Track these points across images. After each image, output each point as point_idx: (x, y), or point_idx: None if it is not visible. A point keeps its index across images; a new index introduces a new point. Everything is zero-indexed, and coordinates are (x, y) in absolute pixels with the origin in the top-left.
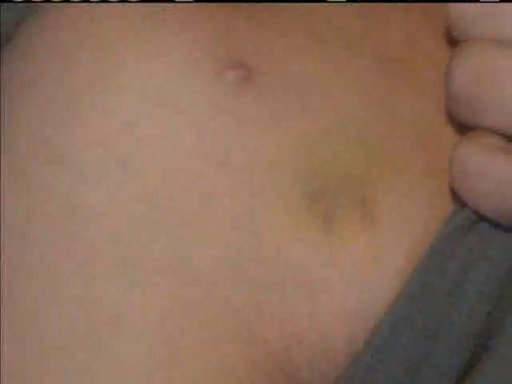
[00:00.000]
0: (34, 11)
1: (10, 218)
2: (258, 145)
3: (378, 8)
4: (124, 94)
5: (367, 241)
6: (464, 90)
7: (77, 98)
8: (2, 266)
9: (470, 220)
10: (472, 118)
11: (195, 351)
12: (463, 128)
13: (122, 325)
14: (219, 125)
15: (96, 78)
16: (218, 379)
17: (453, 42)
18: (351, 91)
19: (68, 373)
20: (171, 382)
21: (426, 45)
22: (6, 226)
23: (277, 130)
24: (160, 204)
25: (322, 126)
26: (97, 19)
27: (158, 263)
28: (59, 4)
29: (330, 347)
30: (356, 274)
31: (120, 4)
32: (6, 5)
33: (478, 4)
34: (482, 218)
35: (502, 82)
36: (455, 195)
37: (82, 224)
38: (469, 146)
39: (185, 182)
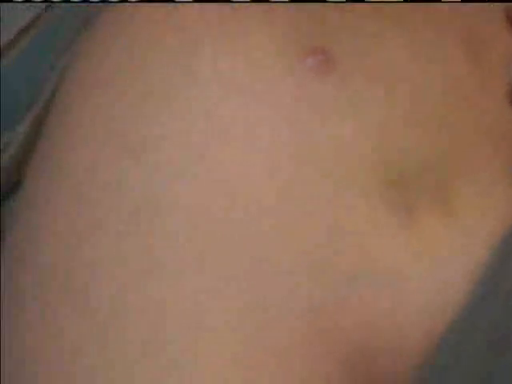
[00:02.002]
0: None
1: (87, 214)
2: (337, 133)
3: None
4: (202, 82)
5: (446, 233)
6: None
7: (154, 90)
8: (81, 259)
9: None
10: None
11: (276, 350)
12: None
13: (199, 322)
14: (299, 112)
15: (174, 66)
16: (303, 377)
17: None
18: (434, 80)
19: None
20: (251, 382)
21: None
22: (83, 221)
23: (356, 117)
24: (239, 195)
25: (401, 115)
26: (177, 10)
27: (236, 258)
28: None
29: (409, 342)
30: (434, 266)
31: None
32: None
33: None
34: None
35: None
36: None
37: (163, 217)
38: None
39: (264, 173)
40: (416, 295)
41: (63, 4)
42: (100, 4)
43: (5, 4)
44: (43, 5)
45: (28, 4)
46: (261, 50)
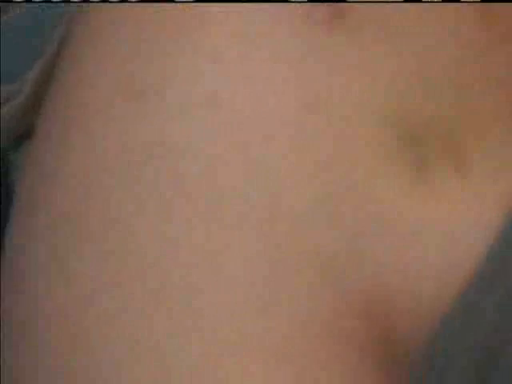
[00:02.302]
0: None
1: (97, 157)
2: (347, 86)
3: None
4: (211, 30)
5: (459, 189)
6: None
7: (162, 35)
8: (94, 204)
9: None
10: None
11: (288, 296)
12: None
13: (218, 267)
14: (308, 64)
15: (184, 19)
16: (312, 323)
17: None
18: (446, 36)
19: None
20: (266, 329)
21: None
22: (95, 164)
23: (366, 71)
24: (252, 142)
25: (412, 69)
26: None
27: (251, 203)
28: None
29: (422, 301)
30: (447, 224)
31: None
32: None
33: None
34: None
35: None
36: None
37: (175, 159)
38: None
39: (275, 122)
40: (429, 251)
41: None
42: None
43: None
44: None
45: None
46: (267, 6)
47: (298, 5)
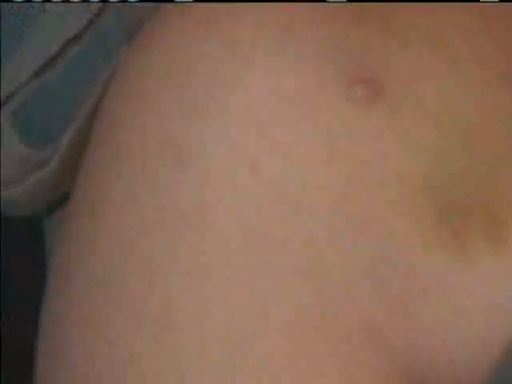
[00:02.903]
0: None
1: (134, 223)
2: (385, 162)
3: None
4: (254, 96)
5: (497, 265)
6: None
7: (204, 98)
8: (133, 260)
9: None
10: None
11: (321, 348)
12: None
13: (253, 326)
14: (349, 137)
15: (225, 78)
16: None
17: None
18: (485, 110)
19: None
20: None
21: None
22: (132, 230)
23: (406, 146)
24: (294, 206)
25: (453, 145)
26: (227, 24)
27: (290, 263)
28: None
29: (458, 369)
30: (485, 297)
31: (247, 4)
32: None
33: None
34: None
35: None
36: None
37: (213, 223)
38: None
39: (318, 189)
40: (466, 324)
41: (109, 16)
42: (144, 15)
43: (49, 14)
44: (89, 16)
45: (74, 16)
46: (312, 73)
47: (338, 81)
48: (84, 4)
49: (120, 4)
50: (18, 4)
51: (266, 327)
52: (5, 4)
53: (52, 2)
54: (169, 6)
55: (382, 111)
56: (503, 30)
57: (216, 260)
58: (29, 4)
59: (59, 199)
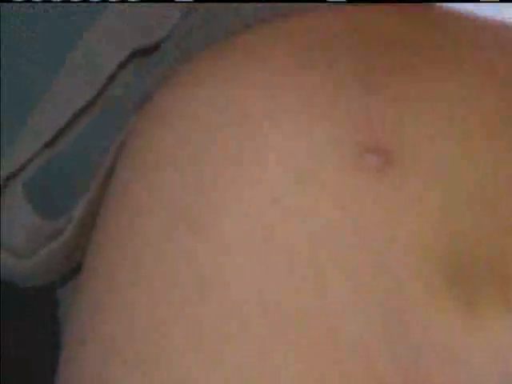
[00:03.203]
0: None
1: (152, 285)
2: (396, 225)
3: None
4: (269, 169)
5: (507, 328)
6: None
7: (220, 170)
8: (149, 332)
9: None
10: None
11: None
12: None
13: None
14: (360, 205)
15: (241, 153)
16: None
17: None
18: (493, 178)
19: None
20: None
21: None
22: (150, 294)
23: (418, 214)
24: (307, 275)
25: (464, 213)
26: (240, 92)
27: (303, 334)
28: (196, 67)
29: None
30: (500, 359)
31: (263, 74)
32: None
33: None
34: None
35: None
36: None
37: (228, 294)
38: None
39: (328, 256)
40: (482, 379)
41: (117, 87)
42: (156, 80)
43: (59, 85)
44: (99, 86)
45: (83, 86)
46: (324, 144)
47: (349, 149)
48: (93, 76)
49: (128, 74)
50: (33, 74)
51: None
52: (19, 72)
53: (52, 2)
54: (178, 74)
55: (392, 180)
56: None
57: (228, 325)
58: (43, 73)
59: (73, 268)
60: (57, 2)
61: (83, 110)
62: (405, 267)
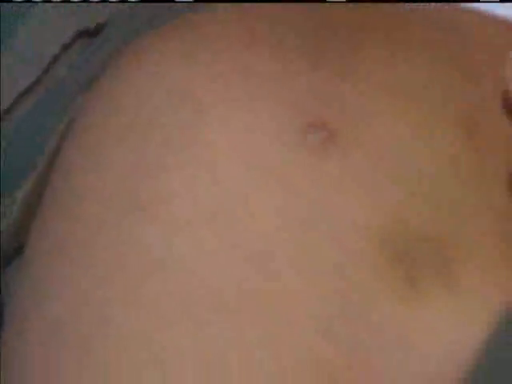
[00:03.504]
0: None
1: (98, 268)
2: (341, 206)
3: (462, 63)
4: (212, 148)
5: (448, 306)
6: None
7: (165, 150)
8: (86, 313)
9: None
10: None
11: None
12: None
13: (216, 378)
14: (304, 185)
15: (183, 131)
16: None
17: None
18: (436, 155)
19: None
20: None
21: None
22: (95, 275)
23: (360, 192)
24: (249, 258)
25: (405, 189)
26: (189, 74)
27: (249, 314)
28: (142, 50)
29: None
30: (437, 337)
31: (213, 56)
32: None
33: None
34: None
35: None
36: None
37: (173, 275)
38: None
39: (272, 240)
40: (418, 365)
41: (61, 68)
42: (102, 61)
43: (5, 67)
44: (43, 67)
45: (28, 66)
46: (266, 123)
47: (293, 128)
48: (37, 57)
49: (74, 55)
50: None
51: (228, 371)
52: None
53: (52, 2)
54: (124, 54)
55: (335, 157)
56: (454, 75)
57: (173, 308)
58: None
59: (19, 247)
60: (57, 1)
61: (28, 91)
62: (347, 246)
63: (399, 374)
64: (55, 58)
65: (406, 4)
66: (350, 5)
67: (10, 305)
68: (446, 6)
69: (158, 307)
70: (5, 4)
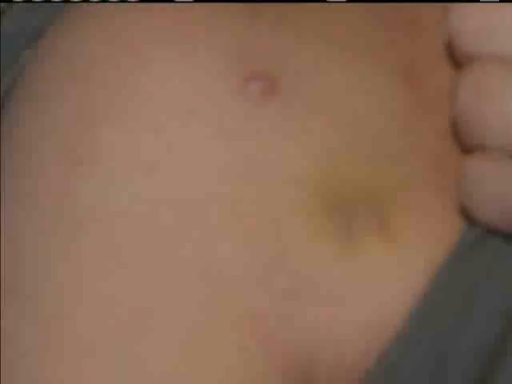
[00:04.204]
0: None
1: (37, 221)
2: (280, 156)
3: (405, 14)
4: (151, 100)
5: (384, 256)
6: (466, 111)
7: (104, 103)
8: (25, 263)
9: (480, 237)
10: (475, 139)
11: (215, 353)
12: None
13: (148, 326)
14: (244, 136)
15: (123, 83)
16: (242, 381)
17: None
18: (376, 106)
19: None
20: (196, 381)
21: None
22: (34, 227)
23: (299, 142)
24: (186, 209)
25: (344, 141)
26: (126, 24)
27: (185, 267)
28: (86, 5)
29: (346, 360)
30: (372, 288)
31: (145, 5)
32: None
33: (475, 18)
34: (493, 234)
35: (501, 101)
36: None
37: (110, 228)
38: (474, 159)
39: (211, 189)
40: (353, 315)
41: (10, 23)
42: (49, 17)
43: None
44: None
45: None
46: (207, 73)
47: (232, 78)
48: None
49: (20, 11)
50: None
51: (156, 324)
52: None
53: (52, 1)
54: (69, 11)
55: (276, 107)
56: (396, 26)
57: (108, 259)
58: None
59: None
60: (57, 2)
61: None
62: (285, 201)
63: (334, 324)
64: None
65: None
66: None
67: None
68: None
69: (97, 263)
70: None
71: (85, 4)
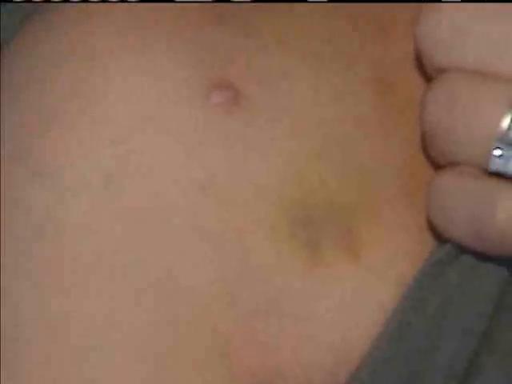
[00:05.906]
0: (36, 12)
1: None
2: (244, 168)
3: (377, 22)
4: (110, 108)
5: (352, 273)
6: (435, 125)
7: (61, 110)
8: None
9: (451, 254)
10: (445, 154)
11: (178, 372)
12: None
13: (107, 342)
14: (206, 146)
15: (82, 90)
16: None
17: None
18: (343, 114)
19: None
20: None
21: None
22: None
23: (264, 153)
24: (144, 222)
25: (310, 152)
26: (88, 29)
27: (142, 281)
28: (55, 8)
29: (314, 381)
30: (339, 307)
31: (113, 12)
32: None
33: (443, 30)
34: (463, 251)
35: (470, 115)
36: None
37: (65, 240)
38: (443, 175)
39: (170, 202)
40: (321, 334)
41: None
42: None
43: None
44: None
45: None
46: (169, 81)
47: (195, 88)
48: None
49: None
50: None
51: (116, 339)
52: None
53: (52, 1)
54: (40, 13)
55: (239, 117)
56: (369, 34)
57: (63, 272)
58: None
59: None
60: (57, 2)
61: None
62: (248, 216)
63: (297, 344)
64: None
65: None
66: None
67: None
68: None
69: (45, 272)
70: None
71: (52, 7)
